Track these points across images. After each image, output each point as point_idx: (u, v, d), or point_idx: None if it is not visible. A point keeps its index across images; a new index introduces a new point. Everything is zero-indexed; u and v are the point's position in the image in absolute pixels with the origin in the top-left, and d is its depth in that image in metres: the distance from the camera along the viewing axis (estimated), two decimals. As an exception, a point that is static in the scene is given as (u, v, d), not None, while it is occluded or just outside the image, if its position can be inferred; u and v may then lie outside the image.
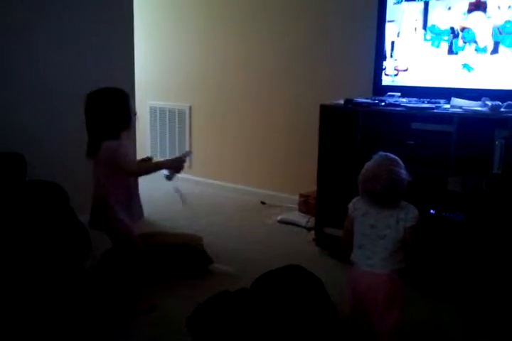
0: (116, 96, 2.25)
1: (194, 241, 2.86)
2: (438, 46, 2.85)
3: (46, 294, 2.07)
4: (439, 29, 2.83)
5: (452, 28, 2.79)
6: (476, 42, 2.73)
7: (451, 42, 2.81)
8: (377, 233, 1.85)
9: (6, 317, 1.96)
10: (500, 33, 2.66)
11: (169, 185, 2.35)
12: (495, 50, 2.69)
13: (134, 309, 2.32)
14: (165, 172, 2.27)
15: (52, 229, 2.20)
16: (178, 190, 2.42)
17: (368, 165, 1.90)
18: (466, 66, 2.78)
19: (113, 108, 2.21)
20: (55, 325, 2.05)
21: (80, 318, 2.16)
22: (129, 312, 2.31)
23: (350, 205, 1.96)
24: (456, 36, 2.79)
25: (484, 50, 2.71)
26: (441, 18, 2.82)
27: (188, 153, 2.47)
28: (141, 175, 2.33)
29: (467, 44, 2.76)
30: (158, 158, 4.70)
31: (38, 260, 2.09)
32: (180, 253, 2.72)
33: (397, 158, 1.90)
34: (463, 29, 2.76)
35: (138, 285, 2.38)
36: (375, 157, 1.91)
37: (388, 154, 1.91)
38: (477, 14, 2.71)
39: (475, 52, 2.74)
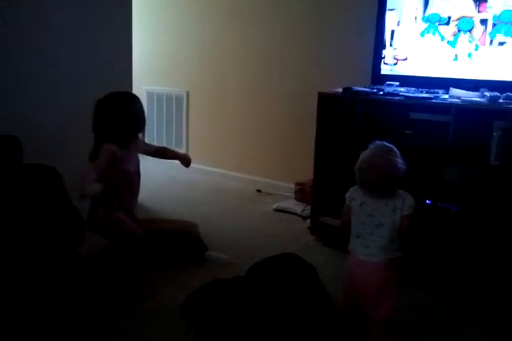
0: (124, 102, 2.24)
1: (190, 229, 2.86)
2: (434, 35, 2.83)
3: (40, 279, 2.06)
4: (439, 18, 2.81)
5: (451, 17, 2.77)
6: (471, 32, 2.72)
7: (451, 32, 2.79)
8: (374, 222, 1.85)
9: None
10: (498, 23, 2.64)
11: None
12: (493, 41, 2.68)
13: (134, 297, 2.33)
14: None
15: (46, 213, 2.19)
16: None
17: (364, 154, 1.89)
18: (465, 56, 2.77)
19: (121, 114, 2.20)
20: (50, 311, 2.05)
21: (75, 304, 2.16)
22: (129, 299, 2.32)
23: (347, 195, 1.96)
24: (455, 25, 2.77)
25: (483, 40, 2.70)
26: (442, 7, 2.80)
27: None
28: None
29: (463, 33, 2.75)
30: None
31: (31, 244, 2.08)
32: (176, 241, 2.72)
33: (393, 146, 1.90)
34: (460, 18, 2.74)
35: (144, 273, 2.40)
36: (371, 146, 1.90)
37: (384, 143, 1.91)
38: (477, 3, 2.69)
39: (474, 42, 2.73)
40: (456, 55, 2.79)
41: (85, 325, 2.10)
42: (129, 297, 2.32)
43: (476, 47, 2.72)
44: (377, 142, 1.91)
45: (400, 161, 1.85)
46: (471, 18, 2.71)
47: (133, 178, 2.37)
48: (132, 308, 2.26)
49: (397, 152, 1.88)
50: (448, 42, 2.81)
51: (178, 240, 2.73)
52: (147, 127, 2.41)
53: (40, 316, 2.01)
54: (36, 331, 1.97)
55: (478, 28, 2.70)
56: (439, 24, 2.81)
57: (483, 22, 2.68)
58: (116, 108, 2.21)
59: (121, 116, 2.21)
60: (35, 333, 1.96)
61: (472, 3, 2.70)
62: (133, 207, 2.43)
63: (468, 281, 2.49)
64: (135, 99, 2.29)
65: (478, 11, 2.69)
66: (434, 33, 2.84)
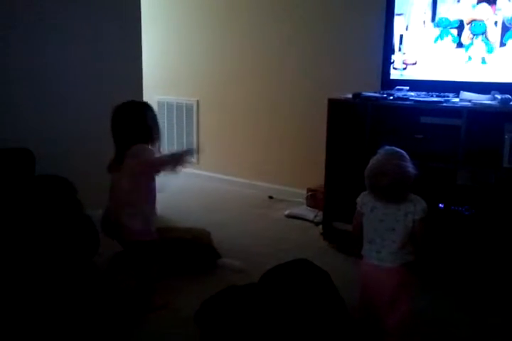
0: (137, 110, 2.29)
1: (202, 236, 2.86)
2: (448, 38, 2.83)
3: (54, 289, 2.08)
4: (448, 22, 2.81)
5: (461, 21, 2.77)
6: (484, 35, 2.71)
7: (460, 35, 2.79)
8: (386, 227, 1.85)
9: (15, 313, 1.97)
10: (509, 26, 2.63)
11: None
12: (503, 43, 2.67)
13: (146, 306, 2.33)
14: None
15: (59, 223, 2.20)
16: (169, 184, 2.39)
17: (374, 159, 1.88)
18: (475, 59, 2.76)
19: (134, 121, 2.24)
20: (62, 321, 2.06)
21: (88, 313, 2.17)
22: (142, 309, 2.32)
23: (358, 200, 1.96)
24: (464, 29, 2.77)
25: (493, 42, 2.69)
26: (450, 10, 2.80)
27: (191, 151, 2.36)
28: (163, 166, 2.28)
29: (476, 37, 2.74)
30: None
31: (45, 255, 2.10)
32: (189, 248, 2.73)
33: (402, 151, 1.89)
34: (472, 21, 2.74)
35: (155, 283, 2.40)
36: (381, 151, 1.90)
37: (394, 148, 1.90)
38: (486, 6, 2.69)
39: (483, 45, 2.72)
40: (469, 57, 2.78)
41: (98, 335, 2.11)
42: (141, 306, 2.32)
43: (489, 50, 2.71)
44: (387, 147, 1.91)
45: (409, 166, 1.84)
46: (483, 20, 2.70)
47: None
48: (145, 317, 2.26)
49: (407, 157, 1.87)
50: (460, 45, 2.80)
51: (190, 248, 2.73)
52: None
53: (54, 326, 2.02)
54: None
55: (491, 30, 2.69)
56: (451, 28, 2.81)
57: (495, 24, 2.68)
58: (135, 114, 2.27)
59: (140, 122, 2.26)
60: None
61: (481, 5, 2.69)
62: None
63: (484, 286, 2.46)
64: (151, 108, 2.35)
65: (488, 14, 2.68)
66: (446, 37, 2.83)
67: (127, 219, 2.24)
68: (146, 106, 2.35)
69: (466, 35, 2.76)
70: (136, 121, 2.25)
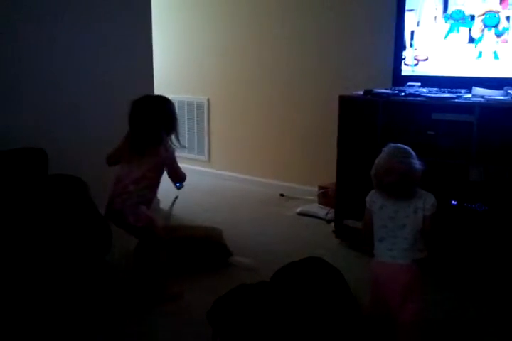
0: (162, 103, 2.39)
1: (214, 234, 2.87)
2: (458, 32, 2.80)
3: (66, 286, 2.09)
4: (460, 15, 2.78)
5: (472, 16, 2.74)
6: (497, 27, 2.68)
7: (472, 30, 2.76)
8: (396, 224, 1.84)
9: (28, 310, 2.00)
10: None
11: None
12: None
13: (160, 296, 2.37)
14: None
15: (73, 222, 2.22)
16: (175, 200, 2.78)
17: (380, 158, 1.88)
18: (487, 54, 2.73)
19: (160, 115, 2.33)
20: (75, 317, 2.08)
21: (99, 310, 2.19)
22: (156, 299, 2.35)
23: (368, 198, 1.95)
24: (481, 21, 2.73)
25: (507, 36, 2.66)
26: (462, 5, 2.77)
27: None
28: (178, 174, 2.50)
29: (488, 29, 2.71)
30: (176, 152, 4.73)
31: (59, 253, 2.11)
32: (201, 246, 2.74)
33: (408, 148, 1.88)
34: (485, 13, 2.70)
35: (165, 273, 2.43)
36: (386, 149, 1.89)
37: (398, 145, 1.89)
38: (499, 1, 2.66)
39: (496, 39, 2.69)
40: (480, 53, 2.75)
41: (107, 331, 2.13)
42: (156, 296, 2.36)
43: (499, 45, 2.68)
44: (391, 145, 1.90)
45: (415, 162, 1.83)
46: (497, 12, 2.67)
47: None
48: (155, 313, 2.27)
49: (413, 153, 1.86)
50: (472, 39, 2.77)
51: (202, 246, 2.74)
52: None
53: (65, 322, 2.04)
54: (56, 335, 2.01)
55: (504, 23, 2.65)
56: (463, 21, 2.78)
57: (507, 19, 2.65)
58: (157, 108, 2.36)
59: (162, 116, 2.35)
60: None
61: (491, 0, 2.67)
62: None
63: (497, 283, 2.44)
64: (168, 101, 2.46)
65: (502, 8, 2.65)
66: (458, 31, 2.80)
67: (134, 207, 2.30)
68: (166, 100, 2.43)
69: (478, 27, 2.73)
70: (160, 114, 2.34)
